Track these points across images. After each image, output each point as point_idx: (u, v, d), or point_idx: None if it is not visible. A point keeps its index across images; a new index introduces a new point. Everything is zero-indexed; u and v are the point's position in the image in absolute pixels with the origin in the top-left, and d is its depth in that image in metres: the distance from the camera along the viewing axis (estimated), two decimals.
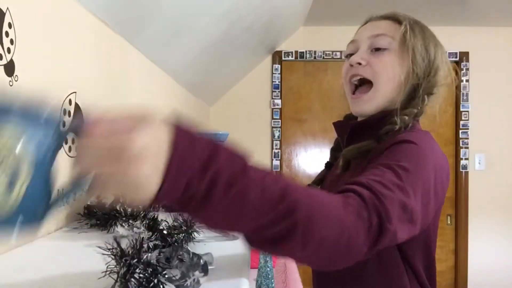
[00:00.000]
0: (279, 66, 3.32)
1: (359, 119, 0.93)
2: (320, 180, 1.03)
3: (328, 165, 1.04)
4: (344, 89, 0.94)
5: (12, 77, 0.71)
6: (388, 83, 0.84)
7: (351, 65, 0.87)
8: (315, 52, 3.28)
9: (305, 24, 3.26)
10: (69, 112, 0.93)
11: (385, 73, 0.84)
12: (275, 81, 3.32)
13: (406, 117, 0.82)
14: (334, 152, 1.03)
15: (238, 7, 1.85)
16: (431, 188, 0.67)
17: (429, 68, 0.85)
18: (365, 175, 0.62)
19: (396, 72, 0.84)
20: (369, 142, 0.83)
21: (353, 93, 0.89)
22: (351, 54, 0.90)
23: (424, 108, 0.85)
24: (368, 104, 0.86)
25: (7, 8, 0.70)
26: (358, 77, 0.87)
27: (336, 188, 0.59)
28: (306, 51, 3.30)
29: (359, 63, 0.86)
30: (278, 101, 3.30)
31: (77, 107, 0.96)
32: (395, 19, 0.88)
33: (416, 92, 0.85)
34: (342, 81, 0.94)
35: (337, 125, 0.97)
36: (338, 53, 3.22)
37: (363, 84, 0.88)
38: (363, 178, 0.60)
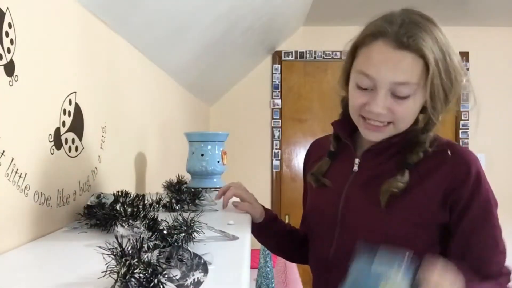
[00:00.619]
0: (279, 66, 3.32)
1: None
2: (325, 172, 0.98)
3: (331, 154, 0.99)
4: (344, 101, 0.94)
5: (12, 77, 0.71)
6: (408, 122, 0.86)
7: (370, 111, 0.83)
8: (315, 52, 3.28)
9: (305, 24, 3.26)
10: (69, 112, 0.93)
11: (408, 117, 0.84)
12: (275, 81, 3.32)
13: (426, 144, 0.85)
14: (337, 140, 0.98)
15: (238, 7, 1.85)
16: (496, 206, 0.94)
17: (448, 96, 0.85)
18: (478, 250, 0.85)
19: (417, 109, 0.85)
20: (404, 172, 0.84)
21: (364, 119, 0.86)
22: (364, 88, 0.83)
23: (438, 122, 0.87)
24: (383, 134, 0.86)
25: (7, 8, 0.70)
26: (377, 122, 0.84)
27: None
28: (306, 51, 3.30)
29: (380, 113, 0.82)
30: (278, 101, 3.30)
31: (77, 107, 0.96)
32: (419, 52, 0.79)
33: (434, 116, 0.86)
34: (338, 91, 0.94)
35: (337, 125, 0.96)
36: (338, 53, 3.22)
37: None
38: (492, 266, 0.85)
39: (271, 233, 1.10)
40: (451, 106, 0.87)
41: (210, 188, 1.30)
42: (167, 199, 1.08)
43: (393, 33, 0.80)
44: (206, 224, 0.77)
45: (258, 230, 1.08)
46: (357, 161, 0.92)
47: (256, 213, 1.05)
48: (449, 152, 0.85)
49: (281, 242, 1.14)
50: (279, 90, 3.31)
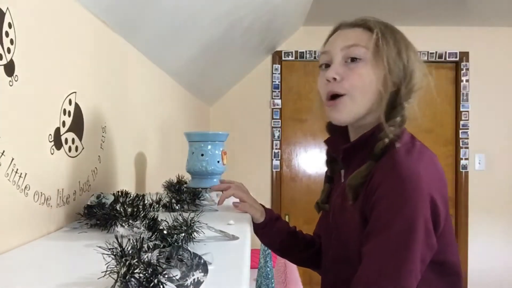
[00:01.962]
0: (279, 66, 3.32)
1: (351, 132, 0.94)
2: (327, 197, 1.01)
3: (329, 179, 1.03)
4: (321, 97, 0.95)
5: (12, 77, 0.71)
6: (364, 94, 0.85)
7: (328, 80, 0.87)
8: (315, 52, 3.28)
9: (305, 24, 3.26)
10: (69, 112, 0.93)
11: (361, 85, 0.85)
12: (275, 81, 3.32)
13: (393, 128, 0.83)
14: (331, 164, 1.02)
15: (238, 7, 1.85)
16: (429, 223, 0.74)
17: (405, 73, 0.86)
18: (363, 268, 0.74)
19: (372, 82, 0.85)
20: (368, 164, 0.82)
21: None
22: (326, 65, 0.90)
23: (406, 114, 0.86)
24: (344, 113, 0.87)
25: (7, 8, 0.70)
26: (334, 93, 0.87)
27: (345, 219, 0.82)
28: (306, 51, 3.30)
29: (335, 78, 0.86)
30: (278, 101, 3.30)
31: (77, 107, 0.96)
32: (366, 26, 0.87)
33: (396, 100, 0.86)
34: (318, 89, 0.95)
35: (329, 143, 1.00)
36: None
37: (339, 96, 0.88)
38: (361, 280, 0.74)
39: (273, 232, 1.10)
40: (412, 86, 0.86)
41: (210, 188, 1.30)
42: (167, 199, 1.08)
43: (346, 22, 0.92)
44: (206, 224, 0.77)
45: (262, 231, 1.09)
46: (342, 172, 0.94)
47: (256, 213, 1.05)
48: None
49: (286, 242, 1.12)
50: (279, 90, 3.31)
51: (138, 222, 0.77)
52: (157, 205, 1.04)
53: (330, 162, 1.02)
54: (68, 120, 0.92)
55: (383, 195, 0.76)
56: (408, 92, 0.86)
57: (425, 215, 0.74)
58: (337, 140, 0.95)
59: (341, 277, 0.87)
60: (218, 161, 1.30)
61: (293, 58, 3.31)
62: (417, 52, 0.91)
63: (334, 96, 0.87)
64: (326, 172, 1.04)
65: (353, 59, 0.85)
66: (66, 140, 0.91)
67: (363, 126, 0.89)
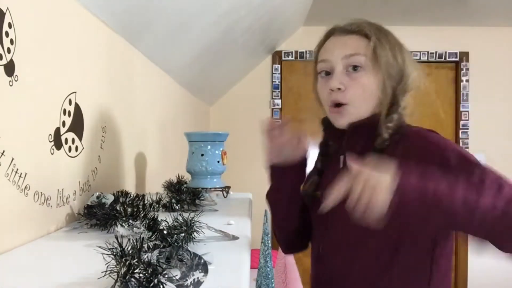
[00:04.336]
0: (279, 66, 3.32)
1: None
2: (315, 187, 0.99)
3: (319, 172, 1.01)
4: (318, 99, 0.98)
5: (12, 77, 0.71)
6: (366, 101, 0.91)
7: (331, 90, 0.90)
8: None
9: (305, 24, 3.26)
10: (69, 112, 0.93)
11: (363, 94, 0.90)
12: (275, 81, 3.32)
13: (390, 124, 0.89)
14: (322, 156, 1.03)
15: (238, 7, 1.85)
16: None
17: (400, 75, 0.91)
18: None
19: (373, 88, 0.90)
20: (371, 157, 0.85)
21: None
22: (326, 72, 0.93)
23: (402, 112, 0.91)
24: (347, 119, 0.91)
25: (7, 8, 0.70)
26: (338, 102, 0.91)
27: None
28: (306, 51, 3.30)
29: (339, 88, 0.89)
30: (278, 101, 3.30)
31: (77, 107, 0.96)
32: (362, 33, 0.91)
33: (394, 99, 0.91)
34: (316, 92, 0.97)
35: (328, 130, 1.00)
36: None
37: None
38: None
39: (292, 180, 1.03)
40: (407, 86, 0.92)
41: (210, 188, 1.30)
42: (167, 199, 1.08)
43: (340, 28, 0.94)
44: (206, 224, 0.77)
45: (289, 172, 1.01)
46: (341, 158, 0.97)
47: (303, 151, 1.01)
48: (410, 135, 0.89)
49: (293, 199, 1.03)
50: (279, 90, 3.31)
51: (138, 222, 0.77)
52: (157, 205, 1.04)
53: (323, 154, 1.03)
54: (68, 120, 0.92)
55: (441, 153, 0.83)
56: (403, 91, 0.92)
57: None
58: (335, 129, 0.97)
59: (347, 260, 0.91)
60: (218, 161, 1.30)
61: (293, 58, 3.31)
62: (409, 51, 0.95)
63: (338, 104, 0.91)
64: (315, 166, 1.03)
65: (354, 67, 0.89)
66: (66, 140, 0.91)
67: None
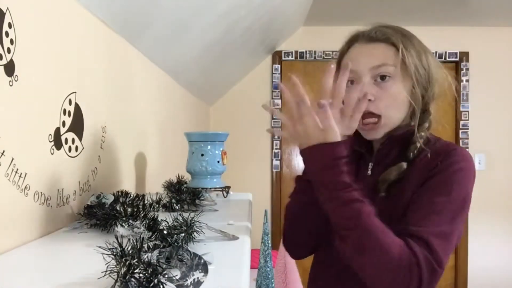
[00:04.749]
0: (279, 66, 3.32)
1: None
2: None
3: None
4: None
5: (12, 77, 0.71)
6: (398, 110, 0.90)
7: (360, 99, 0.86)
8: (315, 52, 3.28)
9: (305, 24, 3.26)
10: (69, 112, 0.93)
11: (394, 103, 0.89)
12: (275, 81, 3.32)
13: (423, 133, 0.89)
14: (357, 161, 0.98)
15: (238, 7, 1.85)
16: (467, 202, 0.85)
17: (428, 80, 0.91)
18: (419, 217, 0.80)
19: (404, 97, 0.89)
20: (401, 165, 0.88)
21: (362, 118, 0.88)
22: (351, 81, 0.91)
23: (431, 119, 0.92)
24: (382, 131, 0.91)
25: (7, 8, 0.70)
26: (367, 112, 0.89)
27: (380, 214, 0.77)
28: (306, 51, 3.30)
29: (369, 99, 0.87)
30: (278, 101, 3.31)
31: (77, 107, 0.96)
32: (389, 42, 0.89)
33: (425, 106, 0.91)
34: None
35: (355, 139, 0.94)
36: (338, 53, 3.22)
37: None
38: (420, 230, 0.77)
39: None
40: (436, 93, 0.92)
41: (210, 188, 1.30)
42: (167, 199, 1.08)
43: (364, 35, 0.92)
44: (206, 224, 0.77)
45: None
46: (370, 165, 0.95)
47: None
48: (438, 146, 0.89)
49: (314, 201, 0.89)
50: (279, 90, 3.31)
51: (138, 222, 0.77)
52: (157, 205, 1.04)
53: (357, 159, 0.98)
54: (68, 120, 0.92)
55: (446, 167, 0.83)
56: (432, 97, 0.92)
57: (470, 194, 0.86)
58: (359, 138, 0.96)
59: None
60: (218, 161, 1.30)
61: (293, 58, 3.31)
62: (432, 53, 0.95)
63: (370, 113, 0.90)
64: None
65: (383, 77, 0.88)
66: (66, 140, 0.91)
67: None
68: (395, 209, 0.86)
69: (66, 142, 0.92)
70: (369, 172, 0.95)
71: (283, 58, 3.31)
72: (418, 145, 0.88)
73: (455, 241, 0.81)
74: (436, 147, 0.89)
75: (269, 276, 1.96)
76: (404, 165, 0.88)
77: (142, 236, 0.59)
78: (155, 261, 0.48)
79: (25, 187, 0.76)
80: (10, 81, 0.71)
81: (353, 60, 0.91)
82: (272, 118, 3.30)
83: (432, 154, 0.87)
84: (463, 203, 0.83)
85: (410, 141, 0.90)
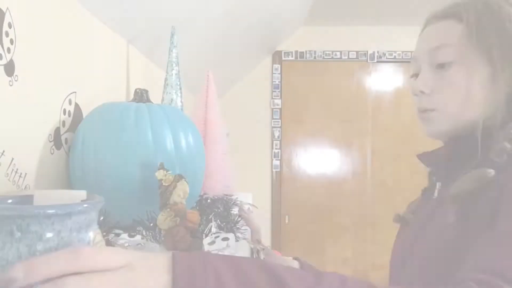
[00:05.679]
0: (279, 66, 3.32)
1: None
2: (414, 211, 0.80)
3: (424, 190, 0.82)
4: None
5: (12, 77, 0.71)
6: (461, 105, 0.68)
7: (415, 94, 0.73)
8: (315, 52, 3.28)
9: (305, 24, 3.26)
10: (69, 112, 0.93)
11: (455, 97, 0.68)
12: (275, 81, 3.32)
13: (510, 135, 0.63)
14: (431, 175, 0.80)
15: (238, 7, 1.85)
16: None
17: None
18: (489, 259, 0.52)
19: (472, 87, 0.67)
20: (484, 170, 0.62)
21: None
22: (415, 75, 0.75)
23: None
24: (436, 126, 0.71)
25: (7, 8, 0.70)
26: (423, 110, 0.72)
27: (446, 246, 0.60)
28: (306, 51, 3.30)
29: (422, 91, 0.71)
30: (278, 101, 3.30)
31: (77, 107, 0.96)
32: (457, 16, 0.69)
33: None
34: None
35: (424, 157, 0.77)
36: (338, 53, 3.21)
37: None
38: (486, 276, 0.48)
39: None
40: None
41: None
42: None
43: (436, 14, 0.74)
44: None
45: None
46: (438, 185, 0.75)
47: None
48: None
49: None
50: (279, 90, 3.31)
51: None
52: None
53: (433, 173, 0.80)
54: (68, 120, 0.92)
55: None
56: None
57: None
58: (433, 153, 0.76)
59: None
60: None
61: (293, 58, 3.31)
62: None
63: (426, 111, 0.73)
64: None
65: (441, 64, 0.69)
66: (66, 140, 0.91)
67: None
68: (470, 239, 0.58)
69: (66, 142, 0.92)
70: (435, 194, 0.75)
71: (283, 58, 3.31)
72: (508, 146, 0.62)
73: None
74: None
75: None
76: (491, 172, 0.61)
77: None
78: None
79: (25, 187, 0.76)
80: (10, 81, 0.71)
81: (416, 46, 0.75)
82: (272, 118, 3.30)
83: None
84: None
85: (490, 141, 0.65)
